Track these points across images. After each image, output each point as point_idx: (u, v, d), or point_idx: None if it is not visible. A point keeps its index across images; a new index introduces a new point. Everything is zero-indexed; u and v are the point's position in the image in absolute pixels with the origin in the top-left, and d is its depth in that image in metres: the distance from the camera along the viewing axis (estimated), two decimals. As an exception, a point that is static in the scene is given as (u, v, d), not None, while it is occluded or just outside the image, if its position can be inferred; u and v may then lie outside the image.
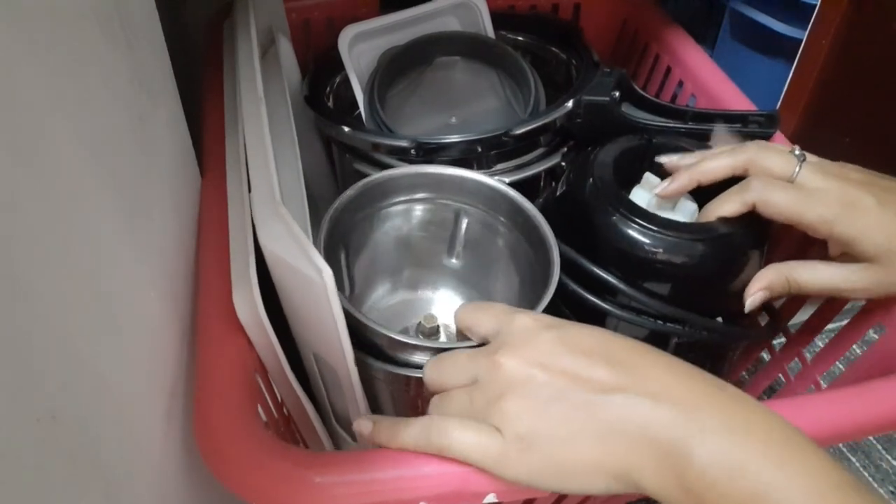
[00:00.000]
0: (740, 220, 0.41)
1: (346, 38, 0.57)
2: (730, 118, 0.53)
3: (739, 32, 0.67)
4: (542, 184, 0.56)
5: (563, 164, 0.55)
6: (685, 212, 0.44)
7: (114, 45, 0.32)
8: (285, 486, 0.29)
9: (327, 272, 0.31)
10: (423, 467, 0.31)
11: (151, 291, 0.34)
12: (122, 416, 0.29)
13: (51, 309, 0.23)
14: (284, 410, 0.41)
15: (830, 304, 0.48)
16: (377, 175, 0.47)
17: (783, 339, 0.52)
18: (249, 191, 0.37)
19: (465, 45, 0.60)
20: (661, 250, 0.40)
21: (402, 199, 0.48)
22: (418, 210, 0.49)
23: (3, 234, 0.20)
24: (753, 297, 0.41)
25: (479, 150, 0.50)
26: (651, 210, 0.43)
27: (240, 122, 0.42)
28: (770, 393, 0.58)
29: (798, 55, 0.59)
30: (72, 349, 0.24)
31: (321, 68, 0.60)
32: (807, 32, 0.57)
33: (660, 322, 0.42)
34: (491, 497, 0.31)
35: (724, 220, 0.41)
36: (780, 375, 0.53)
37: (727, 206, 0.41)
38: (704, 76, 0.59)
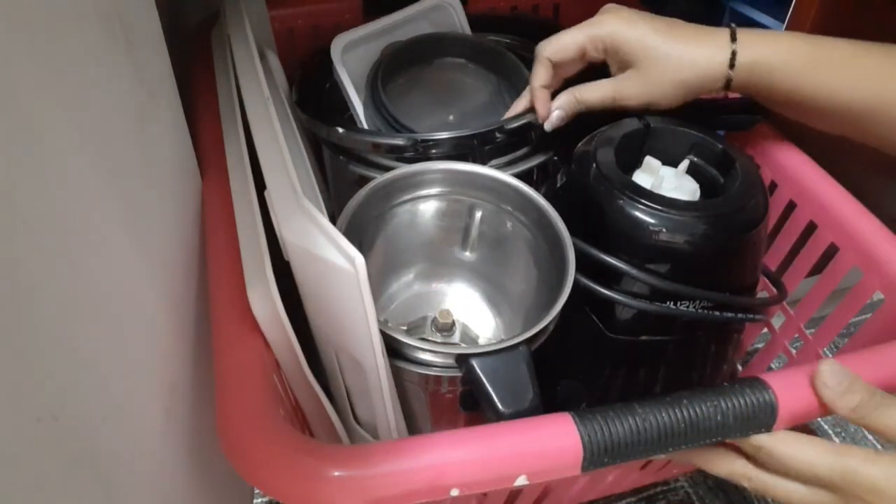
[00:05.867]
0: (742, 195, 0.42)
1: (338, 46, 0.57)
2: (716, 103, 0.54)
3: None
4: (535, 178, 0.57)
5: (556, 158, 0.56)
6: (686, 191, 0.44)
7: (114, 45, 0.32)
8: (332, 487, 0.29)
9: (359, 260, 0.31)
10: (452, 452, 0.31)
11: (152, 291, 0.34)
12: (122, 416, 0.29)
13: (51, 309, 0.23)
14: (299, 408, 0.40)
15: (828, 276, 0.48)
16: (393, 173, 0.47)
17: (783, 319, 0.53)
18: (264, 189, 0.37)
19: (467, 49, 0.61)
20: (666, 229, 0.40)
21: (417, 195, 0.48)
22: (433, 205, 0.49)
23: (3, 235, 0.20)
24: (551, 116, 0.48)
25: (475, 143, 0.50)
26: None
27: (240, 124, 0.41)
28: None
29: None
30: (72, 349, 0.24)
31: (308, 75, 0.60)
32: (786, 21, 0.58)
33: (666, 305, 0.42)
34: (522, 479, 0.31)
35: (727, 198, 0.42)
36: (783, 354, 0.53)
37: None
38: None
